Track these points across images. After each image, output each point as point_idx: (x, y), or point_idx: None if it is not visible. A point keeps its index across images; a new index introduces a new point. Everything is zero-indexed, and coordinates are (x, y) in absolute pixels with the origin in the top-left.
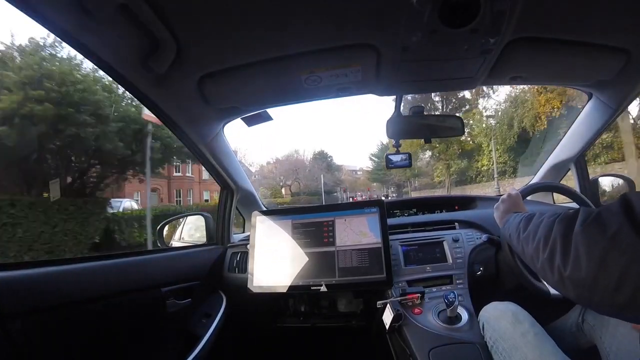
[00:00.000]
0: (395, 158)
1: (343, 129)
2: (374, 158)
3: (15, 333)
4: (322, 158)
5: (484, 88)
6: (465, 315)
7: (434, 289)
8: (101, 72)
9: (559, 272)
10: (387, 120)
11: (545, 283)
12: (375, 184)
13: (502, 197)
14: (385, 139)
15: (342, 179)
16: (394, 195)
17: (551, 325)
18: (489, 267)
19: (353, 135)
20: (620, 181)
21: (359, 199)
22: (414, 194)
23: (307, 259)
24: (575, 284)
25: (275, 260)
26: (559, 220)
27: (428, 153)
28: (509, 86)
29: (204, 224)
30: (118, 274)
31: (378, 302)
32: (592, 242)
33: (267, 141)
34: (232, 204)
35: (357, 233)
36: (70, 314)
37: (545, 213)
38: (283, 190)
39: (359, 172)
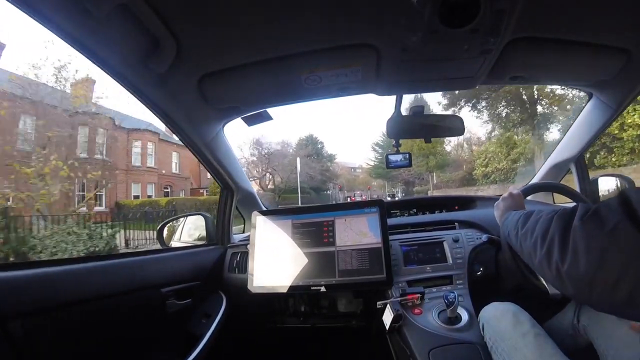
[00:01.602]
0: (395, 158)
1: (341, 125)
2: (377, 149)
3: (16, 333)
4: (309, 143)
5: None
6: (465, 316)
7: (434, 289)
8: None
9: (557, 268)
10: (387, 120)
11: (545, 282)
12: (375, 182)
13: (503, 195)
14: None
15: (337, 173)
16: (402, 195)
17: (548, 325)
18: (489, 267)
19: (352, 131)
20: (621, 181)
21: (358, 199)
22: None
23: (307, 259)
24: (573, 279)
25: (275, 260)
26: (557, 216)
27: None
28: None
29: (204, 224)
30: (118, 274)
31: (378, 303)
32: (590, 237)
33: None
34: (232, 204)
35: (357, 233)
36: (70, 314)
37: (544, 210)
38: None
39: (358, 170)
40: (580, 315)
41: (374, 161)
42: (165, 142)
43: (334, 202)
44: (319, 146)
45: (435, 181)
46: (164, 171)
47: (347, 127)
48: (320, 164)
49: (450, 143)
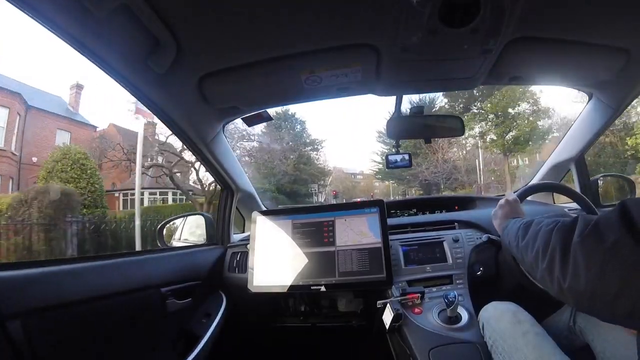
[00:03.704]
0: (395, 158)
1: (341, 129)
2: (386, 139)
3: (15, 333)
4: (281, 120)
5: None
6: (465, 315)
7: (434, 289)
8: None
9: (559, 283)
10: (387, 120)
11: None
12: (378, 190)
13: (499, 202)
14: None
15: (326, 169)
16: None
17: (544, 325)
18: (489, 267)
19: (353, 137)
20: (621, 182)
21: None
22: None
23: (307, 259)
24: (574, 294)
25: (275, 260)
26: (557, 229)
27: None
28: None
29: (203, 223)
30: (118, 273)
31: (378, 302)
32: (591, 253)
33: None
34: (232, 204)
35: (357, 233)
36: (70, 314)
37: (543, 219)
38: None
39: (359, 176)
40: (576, 316)
41: (381, 156)
42: (45, 113)
43: None
44: (298, 127)
45: (482, 179)
46: (35, 159)
47: (348, 132)
48: (296, 153)
49: (542, 92)
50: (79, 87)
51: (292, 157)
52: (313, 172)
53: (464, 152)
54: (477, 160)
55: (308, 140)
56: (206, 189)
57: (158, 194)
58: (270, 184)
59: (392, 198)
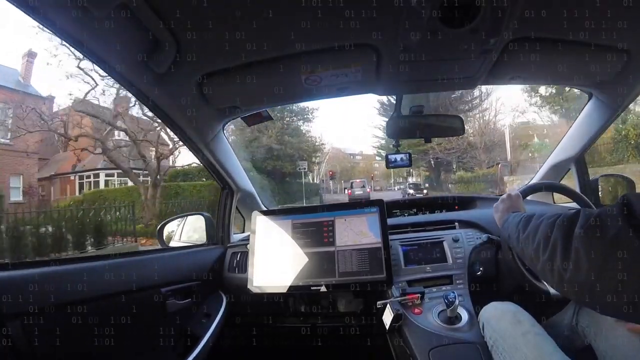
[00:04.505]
0: (395, 157)
1: (339, 109)
2: (389, 109)
3: (15, 333)
4: None
5: None
6: (465, 316)
7: (434, 289)
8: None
9: (559, 275)
10: (387, 120)
11: (545, 283)
12: (378, 171)
13: (501, 197)
14: None
15: (316, 144)
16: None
17: (546, 325)
18: (489, 268)
19: (352, 117)
20: (621, 181)
21: (358, 190)
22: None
23: (307, 259)
24: (575, 286)
25: (275, 260)
26: (559, 222)
27: None
28: None
29: (203, 224)
30: (118, 274)
31: (378, 302)
32: (592, 245)
33: None
34: (232, 204)
35: (357, 233)
36: (70, 314)
37: (544, 214)
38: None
39: (358, 157)
40: (579, 316)
41: (383, 131)
42: None
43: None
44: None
45: (511, 156)
46: None
47: (347, 110)
48: (280, 122)
49: None
50: (30, 56)
51: (270, 125)
52: (302, 146)
53: (481, 121)
54: (505, 130)
55: (296, 108)
56: (150, 165)
57: (116, 175)
58: (245, 160)
59: (393, 180)
